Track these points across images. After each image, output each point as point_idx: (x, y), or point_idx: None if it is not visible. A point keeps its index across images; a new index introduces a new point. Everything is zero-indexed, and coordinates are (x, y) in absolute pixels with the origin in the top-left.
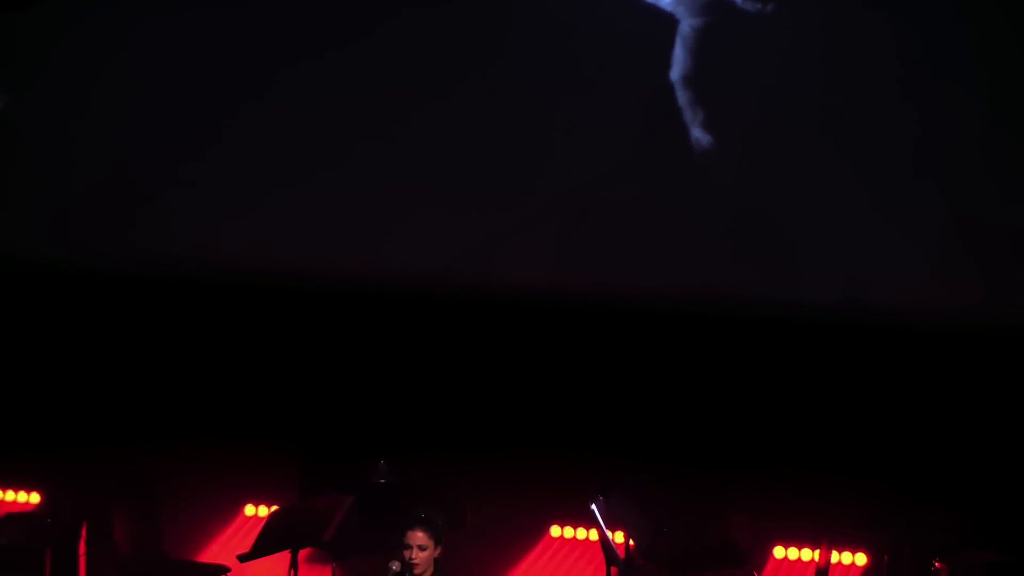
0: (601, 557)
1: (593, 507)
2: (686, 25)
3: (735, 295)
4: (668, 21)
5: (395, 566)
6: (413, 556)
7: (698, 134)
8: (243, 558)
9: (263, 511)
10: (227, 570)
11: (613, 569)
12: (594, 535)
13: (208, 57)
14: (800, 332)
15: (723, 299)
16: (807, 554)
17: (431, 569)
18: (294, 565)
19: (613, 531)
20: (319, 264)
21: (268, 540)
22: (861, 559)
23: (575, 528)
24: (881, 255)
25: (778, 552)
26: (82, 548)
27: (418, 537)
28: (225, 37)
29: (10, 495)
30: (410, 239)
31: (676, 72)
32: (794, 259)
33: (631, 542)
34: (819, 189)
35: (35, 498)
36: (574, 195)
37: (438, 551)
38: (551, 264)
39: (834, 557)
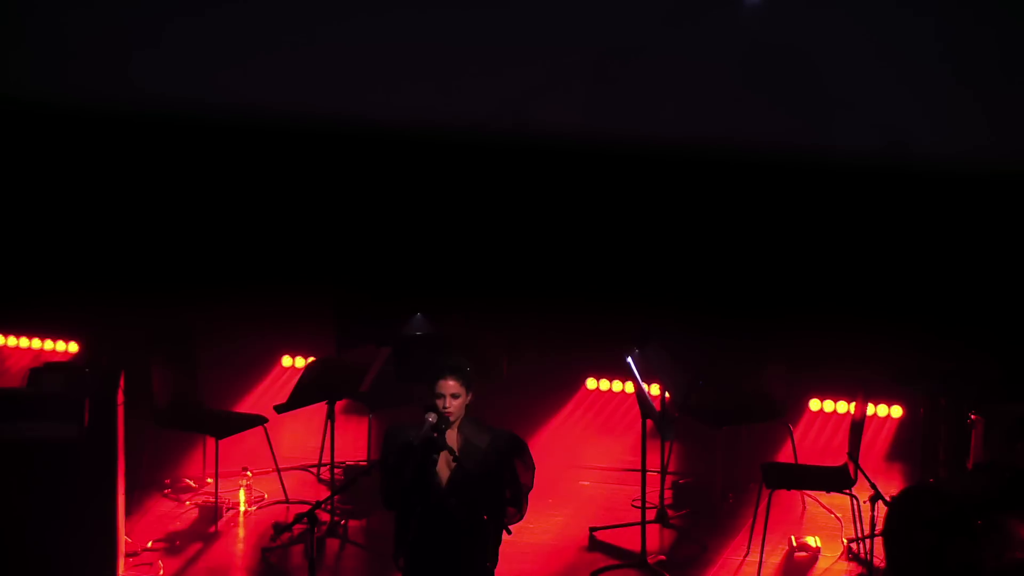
0: (637, 410)
1: (629, 360)
2: None
3: (770, 141)
4: None
5: (431, 418)
6: (447, 405)
7: None
8: (280, 409)
9: (300, 362)
10: (264, 420)
11: (648, 422)
12: (630, 388)
13: None
14: (836, 179)
15: (758, 146)
16: (843, 406)
17: (461, 415)
18: (331, 416)
19: (649, 384)
20: (356, 112)
21: (305, 391)
22: (897, 411)
23: (611, 381)
24: (921, 99)
25: (813, 404)
26: (120, 397)
27: (450, 386)
28: None
29: (48, 344)
30: (445, 90)
31: None
32: (831, 104)
33: (667, 395)
34: (854, 30)
35: (73, 348)
36: (607, 42)
37: (469, 397)
38: (586, 112)
39: (870, 409)
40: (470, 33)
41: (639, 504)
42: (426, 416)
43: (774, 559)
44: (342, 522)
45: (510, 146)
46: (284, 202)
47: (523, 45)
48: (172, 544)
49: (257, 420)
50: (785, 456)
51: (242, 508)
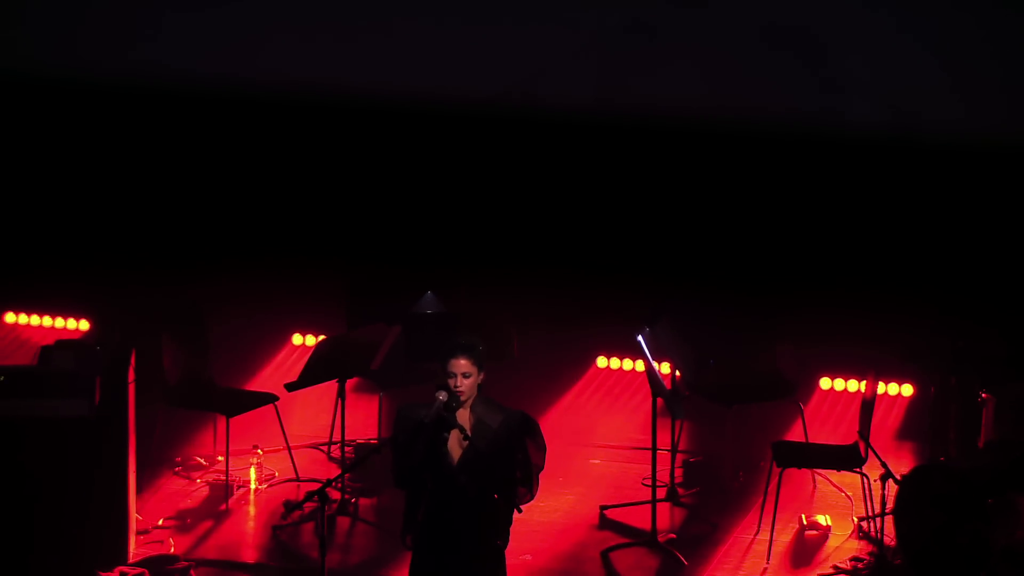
0: (647, 388)
1: (639, 338)
2: None
3: (781, 115)
4: None
5: (442, 396)
6: (458, 384)
7: None
8: (291, 387)
9: (311, 340)
10: (275, 398)
11: (659, 400)
12: (640, 366)
13: None
14: (848, 153)
15: (768, 120)
16: (853, 385)
17: (473, 395)
18: (341, 394)
19: (659, 362)
20: (366, 87)
21: (316, 369)
22: (907, 390)
23: (621, 359)
24: (932, 73)
25: (824, 383)
26: (131, 375)
27: (461, 365)
28: None
29: (60, 322)
30: (455, 65)
31: None
32: (841, 77)
33: (677, 373)
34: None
35: (84, 325)
36: (618, 17)
37: (480, 377)
38: (596, 87)
39: (880, 388)
40: (481, 7)
41: (649, 482)
42: (437, 395)
43: (784, 537)
44: (353, 500)
45: (521, 120)
46: (294, 179)
47: (534, 20)
48: (183, 522)
49: (268, 398)
50: (796, 435)
51: (253, 486)
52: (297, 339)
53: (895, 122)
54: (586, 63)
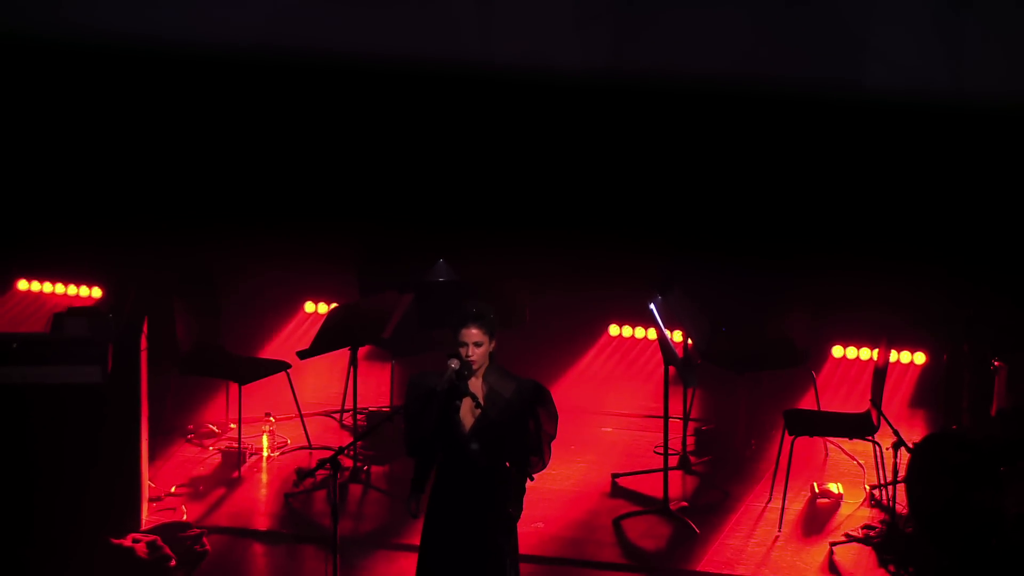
0: (659, 356)
1: (651, 306)
2: None
3: (795, 78)
4: None
5: (455, 364)
6: (469, 353)
7: None
8: (303, 354)
9: (323, 308)
10: (287, 366)
11: (671, 368)
12: (652, 334)
13: None
14: (861, 117)
15: (783, 84)
16: (866, 353)
17: (485, 363)
18: (353, 362)
19: (671, 330)
20: (377, 50)
21: (328, 337)
22: (920, 358)
23: (633, 327)
24: (945, 36)
25: (836, 351)
26: (143, 342)
27: (473, 334)
28: None
29: (72, 290)
30: (467, 30)
31: None
32: (856, 40)
33: (689, 341)
34: None
35: (97, 293)
36: None
37: (492, 345)
38: (610, 50)
39: (892, 356)
40: None
41: (661, 450)
42: (448, 363)
43: (796, 505)
44: (365, 468)
45: (533, 84)
46: (306, 144)
47: None
48: (195, 489)
49: (280, 366)
50: (808, 403)
51: (265, 454)
52: (309, 307)
53: (910, 87)
54: (598, 25)
